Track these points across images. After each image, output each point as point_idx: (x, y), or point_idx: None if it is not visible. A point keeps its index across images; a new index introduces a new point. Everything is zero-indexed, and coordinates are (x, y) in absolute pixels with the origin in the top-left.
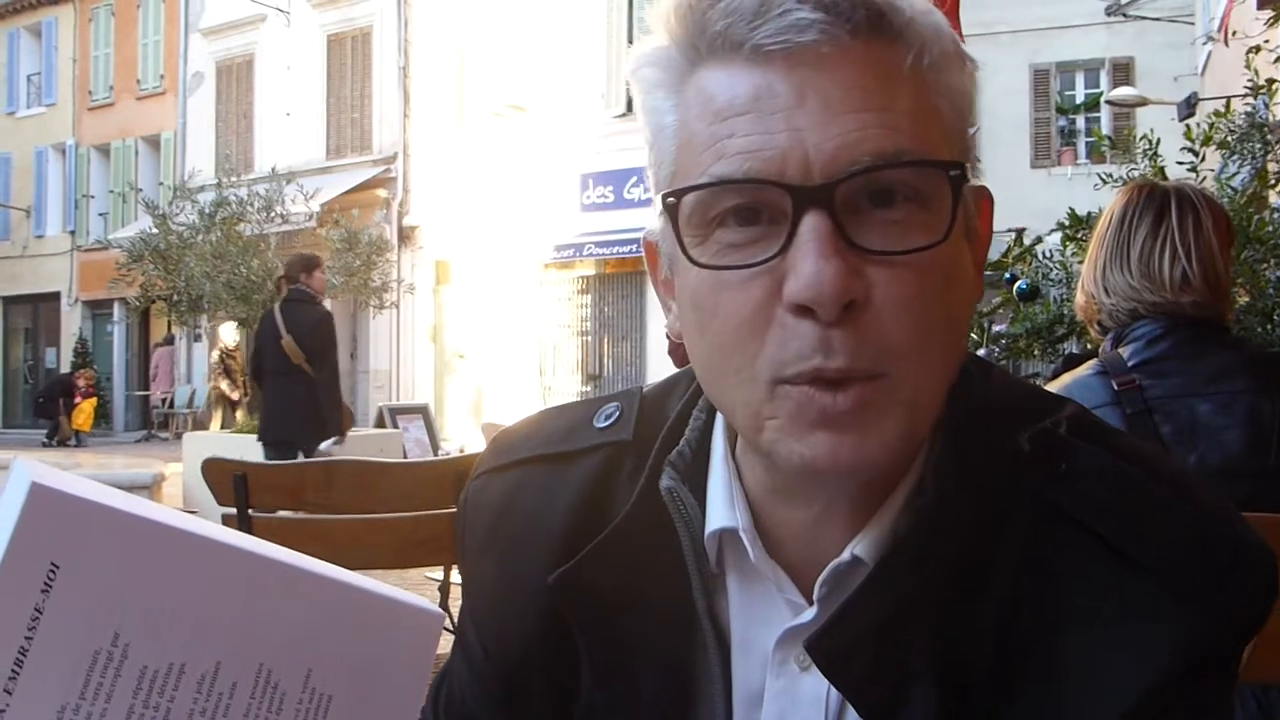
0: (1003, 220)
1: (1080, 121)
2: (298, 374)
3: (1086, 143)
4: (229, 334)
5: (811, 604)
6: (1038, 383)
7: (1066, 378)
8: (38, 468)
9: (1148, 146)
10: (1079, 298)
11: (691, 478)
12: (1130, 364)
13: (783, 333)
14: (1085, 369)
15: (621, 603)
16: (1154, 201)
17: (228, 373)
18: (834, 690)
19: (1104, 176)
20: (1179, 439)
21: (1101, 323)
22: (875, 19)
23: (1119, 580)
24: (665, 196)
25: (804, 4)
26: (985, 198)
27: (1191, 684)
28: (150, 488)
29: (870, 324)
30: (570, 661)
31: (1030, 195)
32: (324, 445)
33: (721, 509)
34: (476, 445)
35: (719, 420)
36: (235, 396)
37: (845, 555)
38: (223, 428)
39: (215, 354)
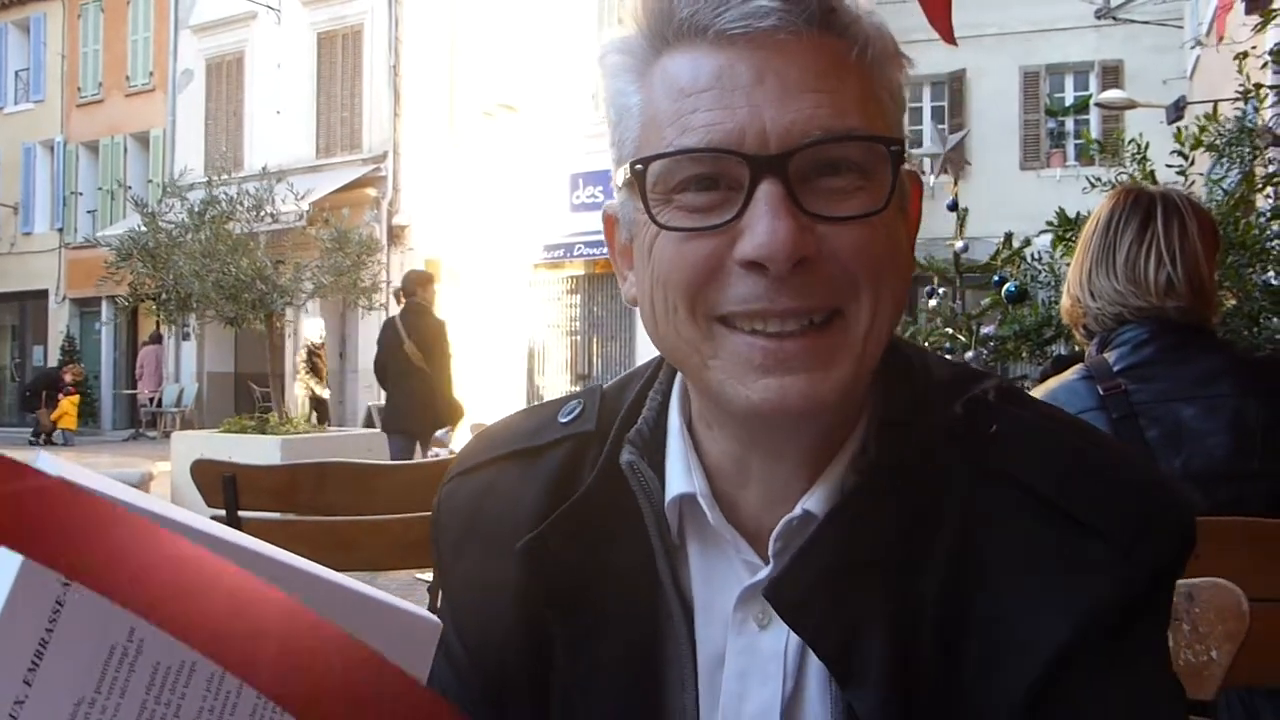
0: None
1: (1069, 124)
2: (418, 374)
3: (1075, 145)
4: (314, 330)
5: (768, 563)
6: (1025, 385)
7: (1052, 382)
8: (60, 462)
9: (1136, 150)
10: (1064, 301)
11: (650, 454)
12: (1116, 368)
13: (729, 280)
14: (1071, 373)
15: (588, 573)
16: (1140, 206)
17: (314, 370)
18: (792, 646)
19: (1093, 180)
20: (1164, 443)
21: (1087, 326)
22: (826, 13)
23: (1050, 528)
24: (634, 164)
25: None
26: (916, 182)
27: (1120, 624)
28: (138, 487)
29: (822, 268)
30: (546, 645)
31: (1019, 197)
32: (439, 434)
33: (680, 478)
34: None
35: (674, 398)
36: (324, 394)
37: (796, 510)
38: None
39: (302, 351)
